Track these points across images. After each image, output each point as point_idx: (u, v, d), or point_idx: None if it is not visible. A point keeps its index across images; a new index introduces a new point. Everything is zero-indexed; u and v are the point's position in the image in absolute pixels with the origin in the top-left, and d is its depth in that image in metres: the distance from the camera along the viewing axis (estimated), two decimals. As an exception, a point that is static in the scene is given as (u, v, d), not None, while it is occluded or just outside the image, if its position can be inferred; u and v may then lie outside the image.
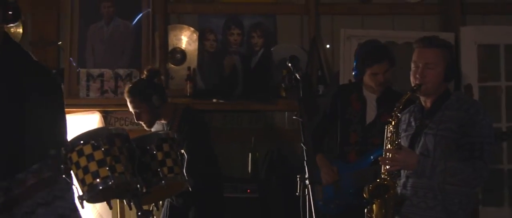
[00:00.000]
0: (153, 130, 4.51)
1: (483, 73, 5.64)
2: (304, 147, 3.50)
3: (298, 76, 3.58)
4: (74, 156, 2.87)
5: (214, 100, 5.66)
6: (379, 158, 3.36)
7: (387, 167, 3.30)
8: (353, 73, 4.58)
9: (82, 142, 2.88)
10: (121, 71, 5.74)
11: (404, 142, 3.42)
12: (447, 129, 3.30)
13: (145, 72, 4.59)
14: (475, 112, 3.31)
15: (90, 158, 2.87)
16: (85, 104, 5.67)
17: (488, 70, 5.68)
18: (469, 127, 3.26)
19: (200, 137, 4.46)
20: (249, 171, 5.63)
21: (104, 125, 5.63)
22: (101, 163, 2.87)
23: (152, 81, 4.51)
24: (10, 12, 2.76)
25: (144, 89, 4.45)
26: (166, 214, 4.55)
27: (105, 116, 5.74)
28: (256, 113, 5.87)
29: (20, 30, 5.81)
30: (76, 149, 2.88)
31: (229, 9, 5.90)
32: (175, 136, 3.27)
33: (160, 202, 4.00)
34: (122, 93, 5.54)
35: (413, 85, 3.37)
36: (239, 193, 5.37)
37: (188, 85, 5.72)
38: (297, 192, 3.69)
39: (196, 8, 5.91)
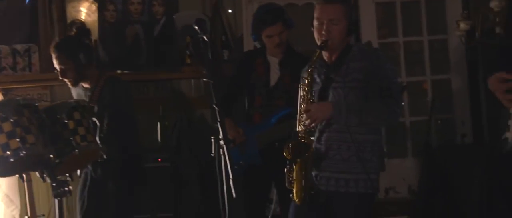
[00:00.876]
0: (74, 94, 4.39)
1: (382, 30, 5.81)
2: (216, 108, 3.49)
3: (205, 39, 3.56)
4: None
5: (119, 71, 5.58)
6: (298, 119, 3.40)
7: (306, 122, 3.34)
8: (252, 37, 4.64)
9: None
10: (18, 47, 5.57)
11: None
12: (354, 79, 3.39)
13: (74, 30, 4.44)
14: (377, 58, 3.43)
15: (-1, 130, 2.78)
16: (-18, 83, 5.47)
17: (386, 27, 5.85)
18: (374, 73, 3.37)
19: (122, 105, 4.39)
20: (159, 140, 5.59)
21: (4, 103, 5.43)
22: (11, 135, 2.79)
23: (81, 39, 4.35)
24: None
25: (71, 46, 4.29)
26: (85, 186, 4.42)
27: (5, 93, 5.50)
28: (162, 81, 5.83)
29: None
30: (-20, 122, 2.77)
31: None
32: (86, 104, 3.20)
33: (77, 172, 3.97)
34: (21, 69, 5.55)
35: (319, 42, 3.42)
36: (150, 163, 5.27)
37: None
38: (212, 153, 3.69)
39: None
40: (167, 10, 5.80)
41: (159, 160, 5.37)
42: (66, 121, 3.06)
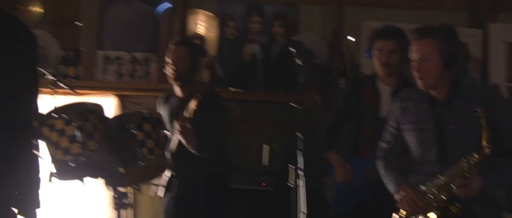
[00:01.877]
0: (165, 107, 4.40)
1: (512, 72, 5.40)
2: (298, 135, 3.34)
3: (299, 62, 3.43)
4: (45, 131, 2.76)
5: (232, 89, 5.53)
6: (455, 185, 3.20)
7: (461, 195, 3.16)
8: (366, 54, 4.40)
9: (54, 115, 2.77)
10: (138, 55, 5.64)
11: (415, 135, 3.31)
12: (469, 123, 3.18)
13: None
14: (495, 99, 3.23)
15: (61, 133, 2.76)
16: (101, 87, 5.59)
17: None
18: (497, 121, 3.13)
19: (223, 116, 4.33)
20: (265, 163, 5.47)
21: (120, 108, 5.55)
22: (73, 139, 2.76)
23: (204, 48, 4.44)
24: None
25: (196, 45, 4.39)
26: (171, 206, 4.28)
27: (122, 100, 5.63)
28: (275, 103, 5.67)
29: (40, 9, 5.78)
30: (48, 123, 2.77)
31: None
32: (160, 117, 3.14)
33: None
34: (139, 77, 5.63)
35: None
36: (254, 186, 5.21)
37: (206, 73, 5.57)
38: (290, 183, 3.54)
39: None
40: (287, 31, 5.70)
41: (263, 184, 5.25)
42: (135, 131, 3.00)
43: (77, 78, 5.61)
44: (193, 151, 3.87)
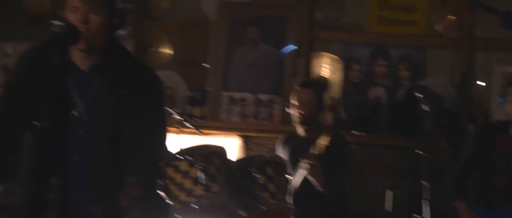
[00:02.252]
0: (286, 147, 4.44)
1: None
2: (423, 183, 3.23)
3: (427, 108, 3.34)
4: (170, 171, 2.82)
5: (355, 132, 5.48)
6: None
7: None
8: (499, 99, 4.23)
9: (179, 157, 2.82)
10: (262, 97, 5.70)
11: None
12: None
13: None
14: None
15: (185, 174, 2.81)
16: (226, 128, 5.68)
17: None
18: None
19: (348, 159, 4.38)
20: (389, 209, 5.34)
21: (243, 149, 5.60)
22: (196, 181, 2.80)
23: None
24: (116, 20, 2.67)
25: (324, 88, 4.58)
26: None
27: (245, 140, 5.68)
28: (400, 148, 5.54)
29: (170, 51, 5.98)
30: (173, 164, 2.83)
31: (377, 39, 5.73)
32: (282, 161, 3.14)
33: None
34: (263, 118, 5.69)
35: None
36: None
37: (329, 115, 5.51)
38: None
39: (342, 37, 5.79)
40: (413, 75, 5.58)
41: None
42: (257, 175, 3.01)
43: (202, 118, 5.74)
44: (319, 189, 3.88)
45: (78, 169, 2.62)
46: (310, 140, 4.41)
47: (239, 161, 3.02)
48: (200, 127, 5.10)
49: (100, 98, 2.64)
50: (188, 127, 4.92)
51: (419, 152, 3.32)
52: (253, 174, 2.99)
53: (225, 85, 5.80)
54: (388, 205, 5.33)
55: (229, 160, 2.92)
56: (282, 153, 4.54)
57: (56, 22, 2.49)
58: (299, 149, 4.37)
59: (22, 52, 2.74)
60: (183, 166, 2.80)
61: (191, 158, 2.79)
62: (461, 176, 4.27)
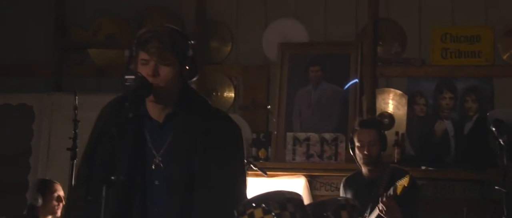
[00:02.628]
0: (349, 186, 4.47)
1: None
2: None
3: (501, 142, 3.30)
4: (245, 220, 2.80)
5: (423, 167, 5.41)
6: None
7: None
8: None
9: (253, 205, 2.80)
10: (327, 136, 5.68)
11: None
12: None
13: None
14: None
15: (261, 222, 2.78)
16: (291, 168, 5.69)
17: None
18: None
19: (418, 197, 4.44)
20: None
21: (309, 189, 5.59)
22: (271, 228, 2.77)
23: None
24: (187, 67, 2.70)
25: (382, 125, 4.72)
26: None
27: (310, 180, 5.68)
28: (470, 182, 5.46)
29: (232, 94, 6.06)
30: (248, 212, 2.80)
31: (441, 72, 5.65)
32: (357, 204, 3.09)
33: None
34: (328, 157, 5.67)
35: None
36: None
37: (396, 151, 5.49)
38: None
39: (405, 71, 5.73)
40: (480, 106, 5.50)
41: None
42: (332, 220, 2.96)
43: (267, 160, 5.76)
44: None
45: None
46: (375, 179, 4.44)
47: (312, 205, 2.99)
48: (266, 168, 5.17)
49: (175, 148, 2.65)
50: (254, 170, 4.94)
51: (498, 188, 3.22)
52: (328, 218, 2.94)
53: (288, 126, 5.81)
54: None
55: (304, 206, 2.89)
56: (345, 194, 4.61)
57: (128, 76, 2.54)
58: (362, 191, 4.41)
59: (103, 107, 2.80)
60: (258, 213, 2.76)
61: (265, 205, 2.75)
62: None
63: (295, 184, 5.54)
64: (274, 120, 5.83)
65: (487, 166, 5.30)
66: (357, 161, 4.58)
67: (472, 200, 5.43)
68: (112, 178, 2.41)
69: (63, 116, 5.78)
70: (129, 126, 2.53)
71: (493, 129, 3.38)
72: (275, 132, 5.82)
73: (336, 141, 5.65)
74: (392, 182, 4.23)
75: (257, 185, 4.99)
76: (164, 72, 2.61)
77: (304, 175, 5.62)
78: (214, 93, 6.04)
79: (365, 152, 4.43)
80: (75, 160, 4.49)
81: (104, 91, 5.91)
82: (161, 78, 2.60)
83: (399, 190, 4.03)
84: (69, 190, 4.37)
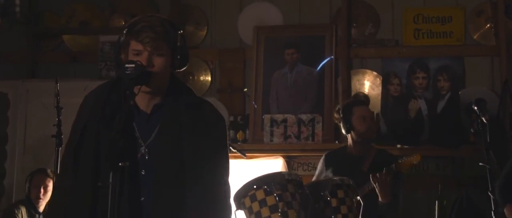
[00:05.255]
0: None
1: None
2: (491, 196, 3.28)
3: (484, 120, 3.39)
4: (247, 201, 2.87)
5: (399, 146, 5.50)
6: None
7: None
8: None
9: (255, 186, 2.87)
10: (303, 117, 5.74)
11: None
12: None
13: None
14: None
15: (262, 203, 2.86)
16: (269, 150, 5.73)
17: None
18: None
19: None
20: (437, 220, 5.33)
21: (286, 169, 5.63)
22: (273, 209, 2.85)
23: None
24: (178, 57, 2.68)
25: None
26: None
27: (288, 161, 5.74)
28: (443, 159, 5.61)
29: (208, 78, 6.07)
30: (249, 194, 2.87)
31: (414, 52, 5.76)
32: (351, 183, 3.19)
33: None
34: (305, 138, 5.70)
35: None
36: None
37: (371, 131, 5.57)
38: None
39: (379, 52, 5.82)
40: (452, 85, 5.62)
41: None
42: (329, 198, 3.05)
43: (246, 141, 5.81)
44: (383, 203, 4.04)
45: (144, 209, 2.63)
46: (360, 157, 4.49)
47: (310, 185, 3.07)
48: (244, 150, 5.18)
49: (161, 138, 2.64)
50: (233, 151, 4.98)
51: (482, 164, 3.34)
52: (327, 198, 3.03)
53: (265, 108, 5.86)
54: (435, 216, 5.27)
55: (303, 186, 2.97)
56: (325, 168, 4.61)
57: (129, 65, 2.54)
58: (346, 166, 4.41)
59: (86, 96, 2.77)
60: (260, 195, 2.84)
61: (266, 187, 2.83)
62: (508, 183, 4.29)
63: (273, 164, 5.59)
64: (254, 104, 5.88)
65: (460, 143, 5.45)
66: (353, 137, 4.56)
67: (445, 176, 5.56)
68: (120, 164, 2.42)
69: (39, 103, 5.76)
70: (124, 114, 2.51)
71: (475, 107, 3.49)
72: (252, 114, 5.87)
73: (313, 121, 5.70)
74: (377, 162, 4.33)
75: (236, 167, 4.85)
76: (158, 63, 2.60)
77: (282, 155, 5.66)
78: (190, 77, 6.06)
79: (370, 125, 4.50)
80: (60, 147, 4.48)
81: (79, 77, 5.97)
82: (155, 68, 2.60)
83: (406, 166, 4.14)
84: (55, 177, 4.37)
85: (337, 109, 4.77)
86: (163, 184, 2.61)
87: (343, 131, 4.58)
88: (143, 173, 2.64)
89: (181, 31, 2.71)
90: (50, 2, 6.41)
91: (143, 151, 2.64)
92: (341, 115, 4.56)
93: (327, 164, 4.63)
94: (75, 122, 2.76)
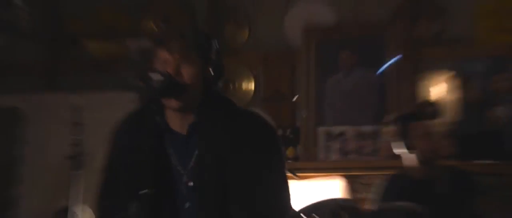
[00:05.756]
0: None
1: None
2: None
3: None
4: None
5: (480, 161, 4.99)
6: None
7: None
8: None
9: (303, 216, 2.40)
10: (365, 129, 5.32)
11: None
12: None
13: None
14: None
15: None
16: (325, 168, 5.32)
17: None
18: None
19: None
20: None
21: (348, 191, 5.18)
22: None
23: None
24: (211, 70, 2.52)
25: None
26: None
27: (349, 181, 5.24)
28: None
29: (252, 86, 5.75)
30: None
31: (492, 51, 5.22)
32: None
33: None
34: (367, 154, 5.28)
35: None
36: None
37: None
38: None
39: (452, 52, 5.30)
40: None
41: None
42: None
43: (297, 159, 5.46)
44: None
45: None
46: (430, 180, 4.10)
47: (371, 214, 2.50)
48: (295, 169, 4.78)
49: (203, 164, 2.50)
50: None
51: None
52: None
53: (319, 120, 5.46)
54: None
55: (361, 213, 2.47)
56: (386, 198, 4.20)
57: (153, 74, 2.40)
58: (416, 193, 3.99)
59: (116, 125, 2.68)
60: (310, 225, 2.31)
61: (317, 216, 2.30)
62: None
63: (331, 186, 5.18)
64: (303, 113, 5.49)
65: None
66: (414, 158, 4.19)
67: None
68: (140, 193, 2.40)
69: (56, 118, 5.26)
70: (154, 136, 2.49)
71: None
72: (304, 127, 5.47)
73: (376, 134, 5.28)
74: (453, 185, 4.03)
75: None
76: (187, 72, 2.47)
77: (341, 175, 5.23)
78: (230, 86, 5.71)
79: (438, 143, 4.16)
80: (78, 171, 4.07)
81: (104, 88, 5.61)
82: (184, 79, 2.47)
83: None
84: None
85: (394, 119, 4.42)
86: (210, 213, 2.48)
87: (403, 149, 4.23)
88: (187, 206, 2.52)
89: (216, 40, 2.58)
90: (72, 6, 6.12)
91: (185, 180, 2.52)
92: (399, 130, 4.22)
93: (390, 192, 4.26)
94: (109, 154, 2.66)
